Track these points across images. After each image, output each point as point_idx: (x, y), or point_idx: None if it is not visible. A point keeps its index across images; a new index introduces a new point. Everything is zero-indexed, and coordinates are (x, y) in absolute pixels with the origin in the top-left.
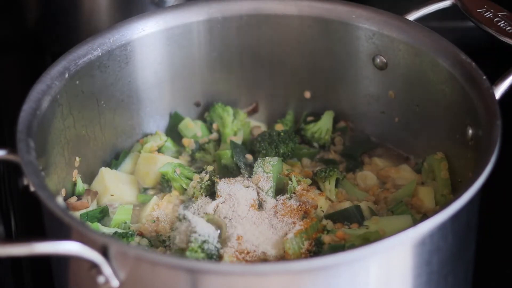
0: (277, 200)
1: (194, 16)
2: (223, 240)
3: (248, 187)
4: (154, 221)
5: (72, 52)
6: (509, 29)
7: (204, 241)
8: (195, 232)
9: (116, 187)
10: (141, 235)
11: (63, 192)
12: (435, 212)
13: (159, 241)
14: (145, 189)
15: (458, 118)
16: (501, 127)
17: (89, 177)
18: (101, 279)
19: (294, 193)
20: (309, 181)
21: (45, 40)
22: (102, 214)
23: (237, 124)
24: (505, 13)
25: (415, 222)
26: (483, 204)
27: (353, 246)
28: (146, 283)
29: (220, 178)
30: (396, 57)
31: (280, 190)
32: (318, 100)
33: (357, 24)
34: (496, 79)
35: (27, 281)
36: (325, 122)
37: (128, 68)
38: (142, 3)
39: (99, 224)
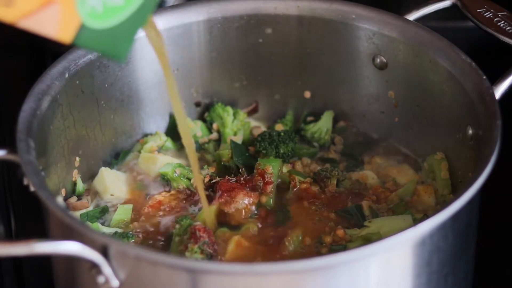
0: (277, 200)
1: (194, 16)
2: (223, 240)
3: (248, 187)
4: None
5: (72, 52)
6: (509, 29)
7: (204, 242)
8: (195, 232)
9: (116, 187)
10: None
11: (63, 192)
12: (435, 212)
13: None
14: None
15: (458, 118)
16: (501, 127)
17: (89, 177)
18: (101, 279)
19: (294, 193)
20: (309, 180)
21: (45, 40)
22: (102, 214)
23: (237, 124)
24: (505, 13)
25: (415, 222)
26: (483, 204)
27: (353, 246)
28: (146, 283)
29: (220, 178)
30: (396, 57)
31: (280, 190)
32: (318, 100)
33: (357, 24)
34: (496, 79)
35: (27, 282)
36: (325, 122)
37: (128, 68)
38: None
39: (99, 224)
